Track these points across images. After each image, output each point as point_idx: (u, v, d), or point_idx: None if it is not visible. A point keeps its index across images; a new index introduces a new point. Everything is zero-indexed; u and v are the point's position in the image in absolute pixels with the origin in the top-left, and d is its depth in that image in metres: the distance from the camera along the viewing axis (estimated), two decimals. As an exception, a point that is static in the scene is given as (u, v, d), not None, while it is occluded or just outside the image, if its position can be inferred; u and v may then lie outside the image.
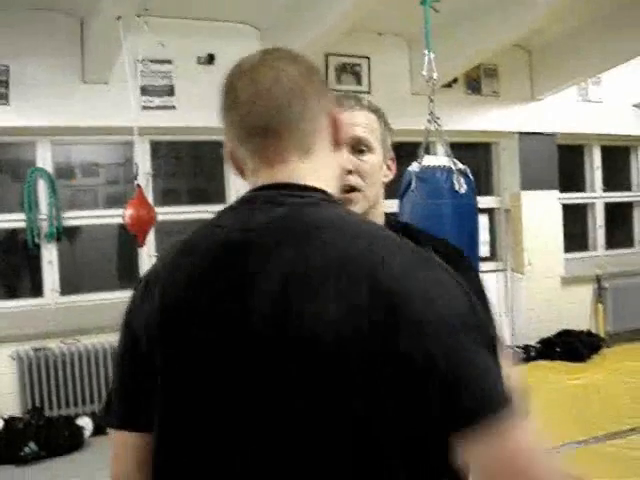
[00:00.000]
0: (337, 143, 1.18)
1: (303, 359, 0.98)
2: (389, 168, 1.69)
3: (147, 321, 1.11)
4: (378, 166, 1.64)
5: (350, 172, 1.58)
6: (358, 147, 1.58)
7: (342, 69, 6.66)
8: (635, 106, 8.43)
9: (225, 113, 1.16)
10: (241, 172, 1.18)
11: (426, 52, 3.83)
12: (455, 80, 7.09)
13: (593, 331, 7.92)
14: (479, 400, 0.94)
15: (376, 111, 1.65)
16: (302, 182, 1.10)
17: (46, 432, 5.06)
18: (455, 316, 0.97)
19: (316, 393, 0.98)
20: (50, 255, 5.86)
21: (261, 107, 1.10)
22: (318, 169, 1.13)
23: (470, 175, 3.71)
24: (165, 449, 1.09)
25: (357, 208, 1.54)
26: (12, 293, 5.94)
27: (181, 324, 1.07)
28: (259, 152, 1.12)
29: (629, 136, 8.53)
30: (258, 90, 1.11)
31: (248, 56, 1.17)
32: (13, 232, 5.89)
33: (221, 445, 1.04)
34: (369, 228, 1.09)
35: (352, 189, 1.57)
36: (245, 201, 1.12)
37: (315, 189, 1.10)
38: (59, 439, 5.07)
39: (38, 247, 5.79)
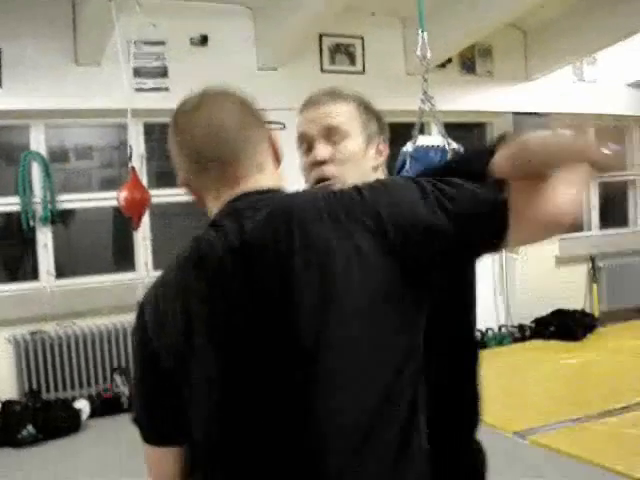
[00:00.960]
0: (277, 161, 1.38)
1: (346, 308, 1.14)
2: (379, 152, 1.71)
3: (173, 337, 1.22)
4: (359, 152, 1.67)
5: (324, 162, 1.63)
6: (332, 137, 1.63)
7: (336, 49, 6.63)
8: (630, 86, 8.43)
9: (179, 151, 1.33)
10: (198, 198, 1.35)
11: (420, 32, 3.82)
12: (449, 60, 7.07)
13: (587, 310, 7.96)
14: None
15: (355, 99, 1.72)
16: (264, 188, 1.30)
17: (43, 415, 5.07)
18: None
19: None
20: (45, 238, 5.85)
21: (214, 143, 1.28)
22: (271, 181, 1.32)
23: (464, 155, 3.71)
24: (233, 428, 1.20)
25: None
26: (7, 277, 5.94)
27: (223, 325, 1.19)
28: (220, 179, 1.29)
29: (624, 116, 8.52)
30: (209, 129, 1.29)
31: (189, 98, 1.35)
32: (8, 216, 5.88)
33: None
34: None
35: (326, 179, 1.62)
36: (226, 214, 1.26)
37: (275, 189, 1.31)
38: (56, 422, 5.08)
39: (33, 230, 5.78)
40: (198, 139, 1.29)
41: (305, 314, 1.14)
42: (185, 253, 1.26)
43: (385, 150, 1.73)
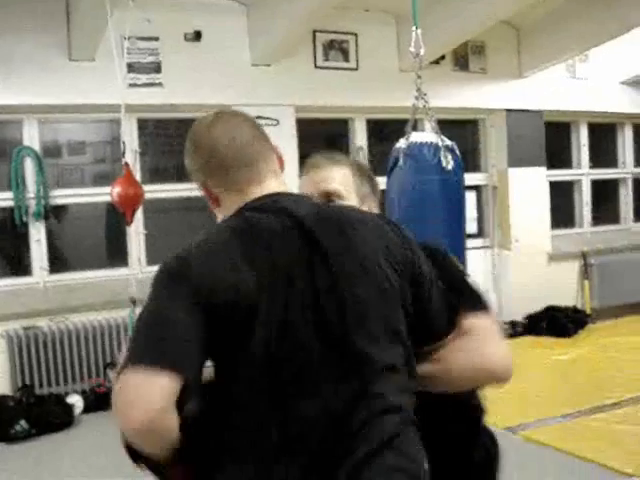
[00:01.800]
0: (281, 170, 1.64)
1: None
2: (371, 210, 1.94)
3: (232, 288, 1.35)
4: None
5: None
6: (330, 198, 1.87)
7: (329, 46, 6.64)
8: (622, 83, 8.46)
9: (200, 159, 1.57)
10: (215, 199, 1.59)
11: (414, 28, 3.83)
12: (442, 57, 7.08)
13: (579, 307, 7.99)
14: None
15: (351, 165, 1.96)
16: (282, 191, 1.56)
17: (37, 410, 5.07)
18: None
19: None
20: (38, 234, 5.85)
21: (236, 151, 1.54)
22: (283, 186, 1.58)
23: (457, 151, 3.73)
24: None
25: None
26: (0, 272, 5.93)
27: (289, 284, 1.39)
28: (243, 181, 1.54)
29: (616, 113, 8.56)
30: (230, 140, 1.54)
31: (205, 117, 1.61)
32: (1, 211, 5.87)
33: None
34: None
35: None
36: (256, 209, 1.49)
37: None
38: (49, 417, 5.08)
39: (26, 226, 5.78)
40: (221, 148, 1.53)
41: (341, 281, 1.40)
42: (236, 227, 1.44)
43: (376, 209, 1.96)
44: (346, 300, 1.39)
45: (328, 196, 1.86)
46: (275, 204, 1.49)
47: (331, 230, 1.45)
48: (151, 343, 1.31)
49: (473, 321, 1.56)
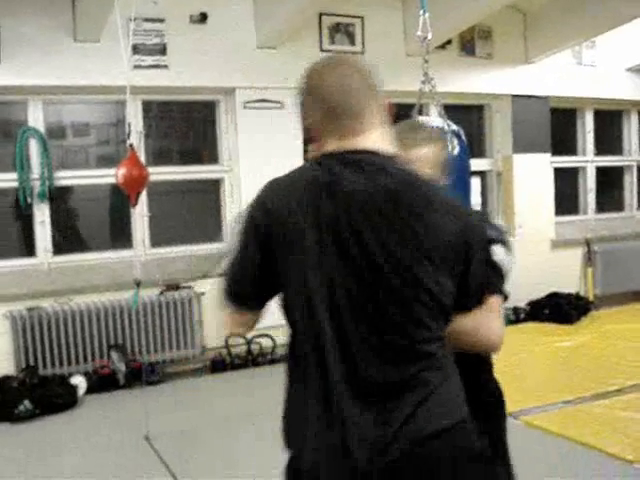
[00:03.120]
0: (387, 122, 1.69)
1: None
2: None
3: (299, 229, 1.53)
4: None
5: None
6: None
7: (335, 29, 6.61)
8: (628, 70, 8.42)
9: (311, 104, 1.66)
10: (318, 142, 1.66)
11: (421, 12, 3.81)
12: (449, 41, 7.05)
13: (582, 294, 8.00)
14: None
15: (439, 139, 2.27)
16: (378, 148, 1.61)
17: (40, 391, 5.10)
18: None
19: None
20: (42, 215, 5.85)
21: (346, 98, 1.61)
22: (383, 138, 1.65)
23: (463, 136, 3.72)
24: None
25: None
26: (5, 253, 5.93)
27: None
28: (346, 127, 1.61)
29: (622, 100, 8.52)
30: (341, 87, 1.61)
31: (317, 63, 1.68)
32: (5, 192, 5.87)
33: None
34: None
35: None
36: (344, 162, 1.58)
37: (389, 155, 1.63)
38: (53, 397, 5.11)
39: (30, 207, 5.78)
40: (333, 95, 1.61)
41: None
42: (308, 177, 1.58)
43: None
44: (383, 264, 1.50)
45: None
46: (359, 162, 1.57)
47: (397, 202, 1.53)
48: (228, 284, 1.64)
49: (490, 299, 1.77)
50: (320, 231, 1.51)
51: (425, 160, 2.08)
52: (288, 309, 1.60)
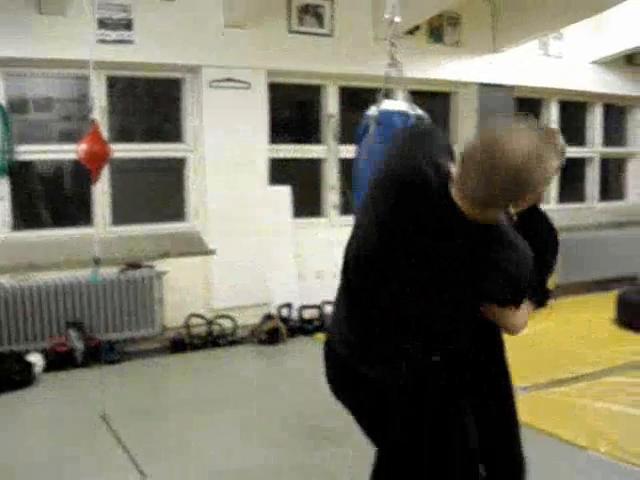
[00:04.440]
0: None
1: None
2: None
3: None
4: None
5: None
6: None
7: (304, 10, 6.54)
8: (594, 63, 8.50)
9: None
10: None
11: (390, -5, 3.79)
12: (417, 27, 7.05)
13: (542, 282, 8.07)
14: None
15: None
16: None
17: (-4, 367, 5.04)
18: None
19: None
20: (2, 190, 5.75)
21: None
22: None
23: (428, 121, 3.72)
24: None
25: None
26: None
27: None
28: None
29: (586, 92, 8.61)
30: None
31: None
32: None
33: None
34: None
35: None
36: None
37: None
38: (9, 374, 5.05)
39: (-11, 181, 5.68)
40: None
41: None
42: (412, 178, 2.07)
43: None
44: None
45: None
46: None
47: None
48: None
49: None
50: None
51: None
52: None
